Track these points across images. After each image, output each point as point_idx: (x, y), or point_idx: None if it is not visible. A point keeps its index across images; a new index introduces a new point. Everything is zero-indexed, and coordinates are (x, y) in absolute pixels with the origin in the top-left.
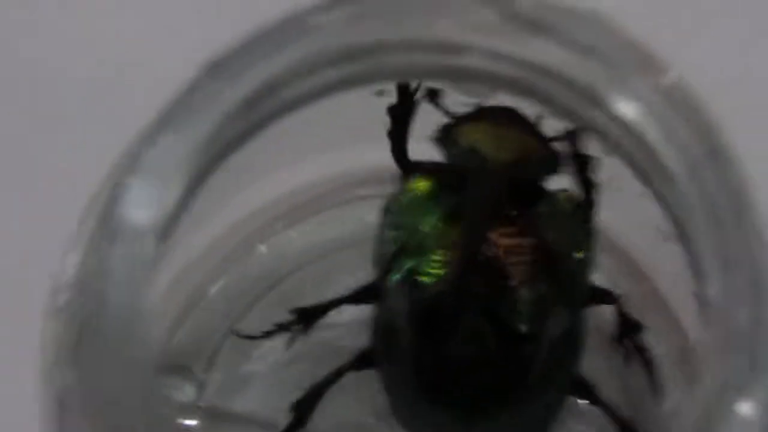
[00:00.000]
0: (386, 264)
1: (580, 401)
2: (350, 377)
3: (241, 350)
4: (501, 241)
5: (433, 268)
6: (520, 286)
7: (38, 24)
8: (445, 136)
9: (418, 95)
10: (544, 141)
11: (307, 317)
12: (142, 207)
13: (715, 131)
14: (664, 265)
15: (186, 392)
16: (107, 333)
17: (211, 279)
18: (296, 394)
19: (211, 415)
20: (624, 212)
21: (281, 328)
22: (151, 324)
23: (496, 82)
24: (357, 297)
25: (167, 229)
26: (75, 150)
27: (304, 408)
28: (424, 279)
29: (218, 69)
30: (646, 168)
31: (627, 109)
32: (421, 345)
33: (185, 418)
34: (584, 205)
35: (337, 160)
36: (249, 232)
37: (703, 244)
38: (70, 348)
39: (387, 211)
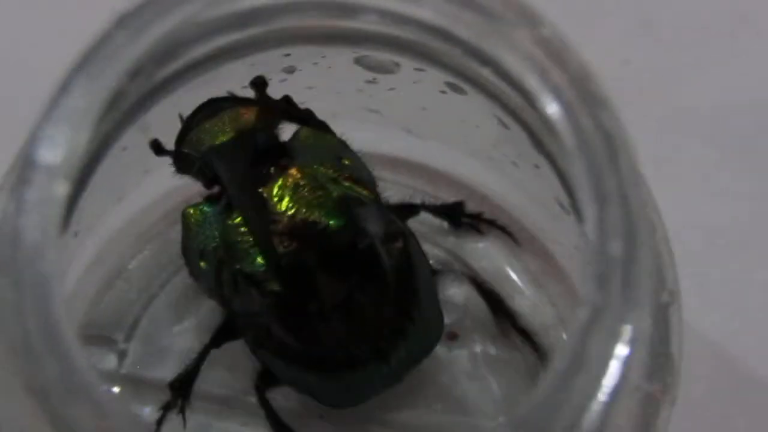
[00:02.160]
0: (213, 281)
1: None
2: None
3: (160, 323)
4: (280, 194)
5: (258, 261)
6: (315, 214)
7: None
8: (182, 149)
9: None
10: (262, 108)
11: (183, 386)
12: (52, 149)
13: (589, 77)
14: (562, 238)
15: (108, 361)
16: (20, 270)
17: (130, 254)
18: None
19: (131, 382)
20: (522, 189)
21: (164, 410)
22: (61, 264)
23: (393, 44)
24: (217, 341)
25: (81, 172)
26: None
27: (182, 386)
28: (255, 271)
29: (126, 21)
30: (528, 118)
31: (512, 64)
32: (293, 324)
33: (108, 386)
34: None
35: None
36: (167, 208)
37: (580, 185)
38: None
39: (186, 247)
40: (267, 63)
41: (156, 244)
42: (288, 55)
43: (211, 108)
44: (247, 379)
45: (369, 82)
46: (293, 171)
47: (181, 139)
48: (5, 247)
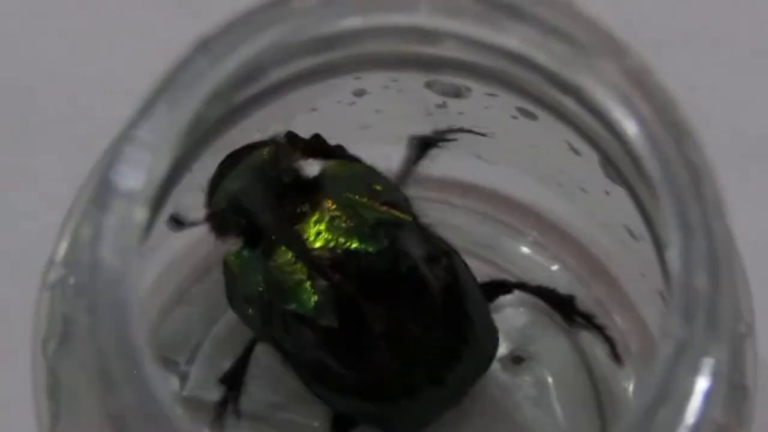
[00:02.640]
0: (262, 325)
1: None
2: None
3: (221, 345)
4: (316, 228)
5: (304, 298)
6: (353, 243)
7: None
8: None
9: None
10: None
11: (235, 379)
12: (133, 175)
13: (674, 107)
14: (631, 266)
15: (170, 383)
16: (99, 296)
17: (194, 276)
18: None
19: (193, 404)
20: (591, 214)
21: (221, 407)
22: (140, 291)
23: (470, 70)
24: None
25: (158, 197)
26: None
27: (234, 378)
28: (303, 309)
29: (207, 46)
30: (611, 150)
31: (596, 92)
32: (346, 356)
33: None
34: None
35: None
36: None
37: (664, 216)
38: (61, 319)
39: (231, 295)
40: (338, 86)
41: (220, 266)
42: (359, 78)
43: (230, 161)
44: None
45: (439, 106)
46: (326, 203)
47: (209, 203)
48: (82, 272)
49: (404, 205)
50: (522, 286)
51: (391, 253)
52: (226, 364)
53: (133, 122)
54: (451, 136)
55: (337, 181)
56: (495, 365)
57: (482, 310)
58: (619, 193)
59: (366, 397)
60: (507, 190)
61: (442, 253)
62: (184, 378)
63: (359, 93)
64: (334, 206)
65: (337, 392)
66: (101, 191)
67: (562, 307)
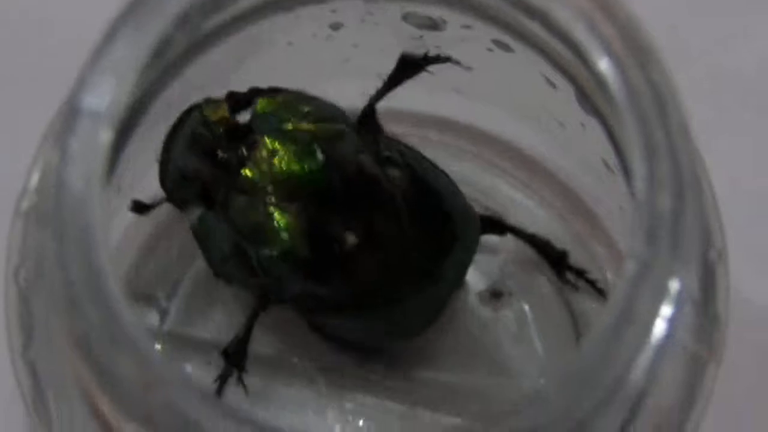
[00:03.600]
0: (246, 276)
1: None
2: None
3: (202, 283)
4: (260, 167)
5: (272, 238)
6: (296, 167)
7: None
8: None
9: None
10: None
11: (238, 352)
12: (97, 98)
13: (638, 30)
14: (609, 199)
15: (150, 319)
16: (64, 220)
17: (174, 213)
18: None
19: (172, 339)
20: (569, 148)
21: (222, 379)
22: (105, 216)
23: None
24: (264, 304)
25: (125, 121)
26: None
27: (237, 353)
28: (280, 249)
29: None
30: (576, 74)
31: (561, 15)
32: (334, 278)
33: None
34: None
35: None
36: None
37: (630, 140)
38: (33, 247)
39: (210, 262)
40: (313, 17)
41: None
42: (334, 11)
43: (172, 135)
44: (295, 339)
45: (415, 39)
46: (261, 141)
47: (162, 181)
48: (49, 197)
49: (340, 117)
50: (517, 232)
51: (333, 164)
52: (206, 301)
53: (99, 47)
54: (436, 64)
55: (266, 116)
56: (474, 301)
57: (455, 201)
58: (594, 125)
59: (365, 310)
60: (485, 125)
61: (396, 154)
62: (164, 314)
63: (335, 26)
64: (269, 140)
65: (336, 318)
66: (67, 116)
67: (555, 260)
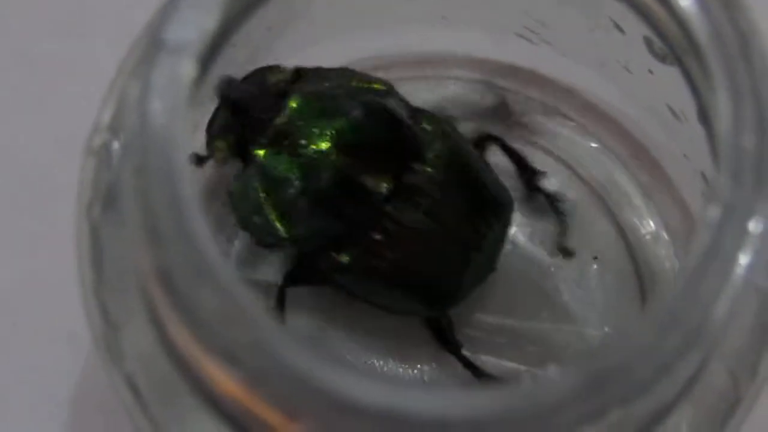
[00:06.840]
0: (285, 232)
1: None
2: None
3: None
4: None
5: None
6: (338, 118)
7: None
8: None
9: None
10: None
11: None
12: (181, 32)
13: None
14: (673, 147)
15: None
16: (147, 153)
17: None
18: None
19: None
20: (633, 95)
21: None
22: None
23: None
24: (293, 280)
25: (207, 54)
26: None
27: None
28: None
29: None
30: (659, 21)
31: None
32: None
33: None
34: None
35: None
36: None
37: (714, 81)
38: (105, 183)
39: (245, 220)
40: None
41: None
42: None
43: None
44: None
45: None
46: (302, 100)
47: (208, 141)
48: (129, 131)
49: (381, 82)
50: (508, 149)
51: (373, 113)
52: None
53: None
54: None
55: (311, 83)
56: (536, 248)
57: (486, 172)
58: (663, 71)
59: (401, 277)
60: (549, 71)
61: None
62: (224, 256)
63: None
64: (311, 98)
65: (370, 281)
66: (150, 50)
67: (529, 179)
